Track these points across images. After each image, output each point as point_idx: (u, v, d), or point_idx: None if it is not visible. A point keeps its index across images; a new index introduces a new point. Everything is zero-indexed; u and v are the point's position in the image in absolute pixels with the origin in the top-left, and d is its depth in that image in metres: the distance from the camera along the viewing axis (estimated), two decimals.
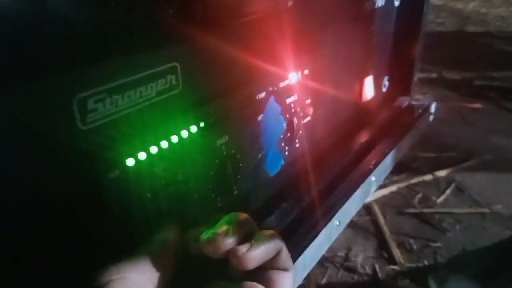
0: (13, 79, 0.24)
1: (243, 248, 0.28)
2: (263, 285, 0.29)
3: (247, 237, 0.29)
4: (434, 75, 2.18)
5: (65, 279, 0.28)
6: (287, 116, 0.48)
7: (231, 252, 0.28)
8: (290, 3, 0.50)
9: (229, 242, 0.28)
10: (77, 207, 0.28)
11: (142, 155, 0.31)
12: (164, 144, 0.33)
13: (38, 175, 0.26)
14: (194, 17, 0.37)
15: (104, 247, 0.29)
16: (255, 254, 0.28)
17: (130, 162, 0.30)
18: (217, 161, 0.38)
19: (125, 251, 0.28)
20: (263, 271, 0.30)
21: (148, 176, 0.32)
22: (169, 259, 0.29)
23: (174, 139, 0.34)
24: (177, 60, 0.33)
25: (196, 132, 0.36)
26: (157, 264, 0.28)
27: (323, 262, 1.17)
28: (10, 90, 0.23)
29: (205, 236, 0.28)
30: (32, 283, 0.27)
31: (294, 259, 0.44)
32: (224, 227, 0.28)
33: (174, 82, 0.33)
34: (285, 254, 0.30)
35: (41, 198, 0.26)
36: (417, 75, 0.84)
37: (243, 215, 0.30)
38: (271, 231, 0.30)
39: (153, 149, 0.32)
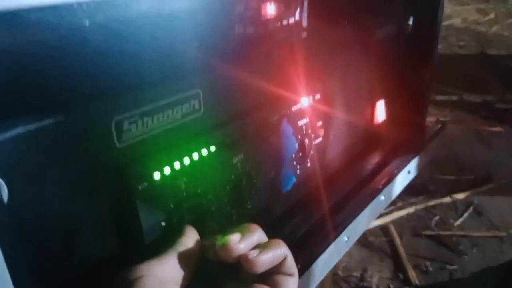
0: (65, 104, 0.29)
1: (253, 253, 0.32)
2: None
3: (257, 244, 0.33)
4: (454, 98, 2.19)
5: (99, 276, 0.32)
6: (299, 137, 0.52)
7: (243, 257, 0.31)
8: (304, 35, 0.54)
9: (241, 247, 0.32)
10: (111, 213, 0.33)
11: (167, 170, 0.36)
12: (186, 160, 0.37)
13: (80, 185, 0.31)
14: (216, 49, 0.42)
15: (132, 248, 0.33)
16: (264, 259, 0.32)
17: (157, 175, 0.35)
18: (233, 177, 0.43)
19: (151, 252, 0.32)
20: (270, 276, 0.33)
21: (172, 189, 0.36)
22: (189, 262, 0.33)
23: (195, 156, 0.38)
24: (199, 87, 0.38)
25: (215, 151, 0.40)
26: (179, 266, 0.32)
27: (338, 282, 1.18)
28: (62, 114, 0.28)
29: (220, 242, 0.32)
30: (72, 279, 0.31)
31: (303, 272, 0.48)
32: (237, 235, 0.33)
33: (196, 107, 0.38)
34: (290, 261, 0.34)
35: (81, 204, 0.31)
36: (437, 98, 0.86)
37: (254, 225, 0.34)
38: (278, 240, 0.34)
39: (177, 165, 0.37)
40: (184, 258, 0.33)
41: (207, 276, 0.34)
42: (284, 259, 0.33)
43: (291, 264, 0.34)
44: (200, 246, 0.34)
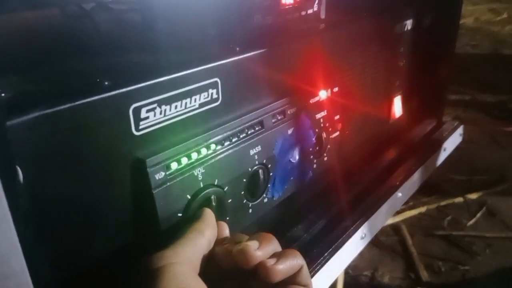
0: (82, 90, 0.28)
1: (271, 261, 0.31)
2: None
3: (273, 253, 0.32)
4: (467, 97, 2.16)
5: (113, 265, 0.32)
6: (316, 130, 0.51)
7: (261, 264, 0.31)
8: (322, 26, 0.53)
9: (259, 254, 0.31)
10: (128, 202, 0.32)
11: (184, 160, 0.35)
12: (204, 151, 0.36)
13: (96, 173, 0.30)
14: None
15: (148, 238, 0.32)
16: (282, 268, 0.31)
17: (174, 165, 0.34)
18: (249, 169, 0.42)
19: (168, 239, 0.31)
20: (285, 286, 0.32)
21: (189, 179, 0.35)
22: (198, 257, 0.31)
23: (213, 146, 0.37)
24: (218, 76, 0.37)
25: (232, 142, 0.39)
26: (197, 254, 0.31)
27: (348, 281, 1.17)
28: (80, 99, 0.28)
29: (238, 247, 0.31)
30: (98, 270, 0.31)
31: (318, 269, 0.46)
32: (255, 242, 0.32)
33: (215, 96, 0.37)
34: (306, 271, 0.33)
35: (97, 192, 0.30)
36: (450, 97, 0.85)
37: (270, 235, 0.33)
38: (294, 250, 0.33)
39: (194, 155, 0.36)
40: (203, 247, 0.32)
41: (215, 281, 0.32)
42: (300, 269, 0.32)
43: (306, 275, 0.33)
44: (213, 253, 0.33)
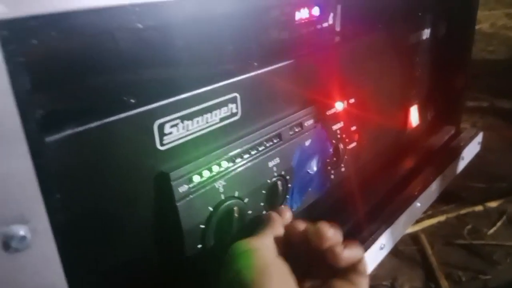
0: (112, 109, 0.29)
1: (340, 248, 0.34)
2: (347, 285, 0.34)
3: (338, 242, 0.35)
4: (485, 104, 2.13)
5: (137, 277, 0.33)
6: (333, 141, 0.51)
7: (331, 250, 0.34)
8: (337, 39, 0.54)
9: (332, 237, 0.34)
10: (152, 216, 0.33)
11: (206, 173, 0.36)
12: (224, 164, 0.38)
13: (122, 187, 0.31)
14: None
15: (173, 250, 0.33)
16: (349, 254, 0.34)
17: (196, 178, 0.35)
18: (268, 181, 0.42)
19: (191, 254, 0.32)
20: (346, 273, 0.35)
21: (210, 192, 0.36)
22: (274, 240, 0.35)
23: (233, 159, 0.38)
24: (237, 91, 0.38)
25: (251, 154, 0.40)
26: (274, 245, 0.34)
27: None
28: (107, 117, 0.29)
29: (314, 228, 0.34)
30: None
31: None
32: (328, 226, 0.34)
33: (234, 110, 0.38)
34: (365, 261, 0.36)
35: (123, 206, 0.32)
36: (467, 104, 0.85)
37: (335, 224, 0.36)
38: (357, 241, 0.36)
39: (215, 168, 0.37)
40: (276, 241, 0.35)
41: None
42: (360, 259, 0.35)
43: (365, 265, 0.36)
44: (286, 231, 0.36)
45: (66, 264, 0.21)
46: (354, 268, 0.35)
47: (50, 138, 0.26)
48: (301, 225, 0.36)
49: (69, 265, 0.22)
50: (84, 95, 0.29)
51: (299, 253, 0.36)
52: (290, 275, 0.32)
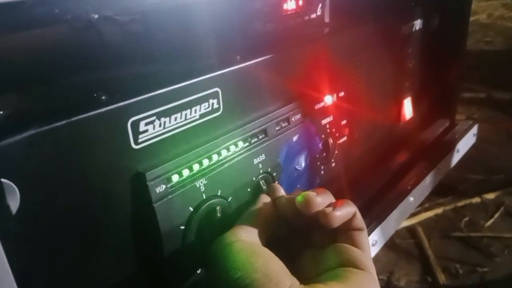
0: (84, 107, 0.28)
1: (329, 209, 0.34)
2: (346, 243, 0.35)
3: (329, 203, 0.36)
4: (482, 95, 2.12)
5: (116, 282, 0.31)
6: (323, 136, 0.50)
7: (321, 212, 0.34)
8: (326, 30, 0.52)
9: (319, 201, 0.34)
10: (129, 217, 0.32)
11: (185, 172, 0.34)
12: (206, 162, 0.36)
13: (95, 189, 0.30)
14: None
15: (150, 253, 0.32)
16: (339, 213, 0.34)
17: (175, 178, 0.34)
18: (254, 178, 0.41)
19: (169, 256, 0.30)
20: (344, 233, 0.36)
21: (190, 191, 0.35)
22: (265, 222, 0.36)
23: (215, 157, 0.37)
24: (218, 86, 0.37)
25: (235, 151, 0.39)
26: (259, 228, 0.35)
27: None
28: (77, 115, 0.27)
29: (300, 197, 0.35)
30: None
31: None
32: (314, 193, 0.35)
33: (216, 106, 0.37)
34: (359, 216, 0.36)
35: (97, 208, 0.30)
36: (464, 95, 0.84)
37: (324, 188, 0.37)
38: (345, 199, 0.36)
39: (196, 167, 0.35)
40: (261, 221, 0.35)
41: (278, 244, 0.36)
42: (354, 215, 0.35)
43: (360, 219, 0.36)
44: (275, 205, 0.37)
45: (23, 277, 0.20)
46: (349, 225, 0.35)
47: (9, 141, 0.24)
48: (292, 199, 0.36)
49: (27, 278, 0.20)
50: (49, 94, 0.27)
51: (297, 225, 0.37)
52: (276, 259, 0.32)
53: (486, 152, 1.66)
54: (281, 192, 0.40)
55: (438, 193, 1.43)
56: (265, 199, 0.38)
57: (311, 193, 0.35)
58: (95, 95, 0.29)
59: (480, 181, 1.54)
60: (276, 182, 0.43)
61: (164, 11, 0.32)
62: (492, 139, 1.74)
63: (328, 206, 0.35)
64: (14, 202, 0.24)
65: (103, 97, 0.29)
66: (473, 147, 0.82)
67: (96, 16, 0.26)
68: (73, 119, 0.27)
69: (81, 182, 0.29)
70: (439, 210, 1.42)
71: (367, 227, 0.51)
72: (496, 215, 1.38)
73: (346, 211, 0.35)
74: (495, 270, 1.17)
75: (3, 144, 0.25)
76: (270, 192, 0.40)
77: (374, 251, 0.53)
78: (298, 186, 0.47)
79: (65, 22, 0.26)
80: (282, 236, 0.38)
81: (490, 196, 1.46)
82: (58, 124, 0.27)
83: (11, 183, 0.25)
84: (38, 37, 0.26)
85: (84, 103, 0.29)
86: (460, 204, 1.44)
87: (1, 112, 0.27)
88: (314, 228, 0.37)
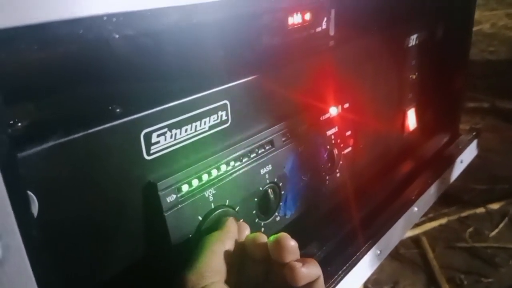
0: (100, 119, 0.29)
1: (299, 264, 0.32)
2: None
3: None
4: (486, 105, 2.13)
5: None
6: (328, 147, 0.51)
7: (290, 265, 0.32)
8: (331, 43, 0.53)
9: (294, 250, 0.32)
10: (140, 226, 0.33)
11: (195, 182, 0.35)
12: (214, 172, 0.37)
13: (109, 198, 0.31)
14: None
15: (161, 260, 0.33)
16: (307, 272, 0.32)
17: (185, 188, 0.35)
18: (261, 188, 0.42)
19: (179, 264, 0.31)
20: None
21: (200, 201, 0.36)
22: (233, 260, 0.33)
23: (223, 168, 0.38)
24: (227, 98, 0.38)
25: (243, 162, 0.40)
26: (227, 265, 0.32)
27: None
28: (92, 127, 0.29)
29: (272, 239, 0.33)
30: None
31: (334, 286, 0.46)
32: (290, 239, 0.33)
33: (224, 117, 0.38)
34: (322, 282, 0.34)
35: (111, 217, 0.31)
36: (468, 105, 0.84)
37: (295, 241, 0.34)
38: (312, 258, 0.33)
39: (205, 177, 0.36)
40: (230, 255, 0.33)
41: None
42: (317, 279, 0.33)
43: (322, 285, 0.34)
44: (244, 243, 0.35)
45: (43, 280, 0.21)
46: (310, 287, 0.33)
47: (27, 152, 0.25)
48: (262, 237, 0.34)
49: (47, 281, 0.21)
50: (67, 106, 0.28)
51: (256, 266, 0.34)
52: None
53: (490, 161, 1.65)
54: (247, 232, 0.37)
55: (443, 203, 1.43)
56: (233, 227, 0.36)
57: (286, 238, 0.32)
58: (110, 107, 0.31)
59: (485, 191, 1.54)
60: (242, 220, 0.39)
61: (178, 29, 0.34)
62: (496, 149, 1.74)
63: (298, 259, 0.33)
64: (33, 210, 0.25)
65: (118, 110, 0.31)
66: (477, 157, 0.83)
67: (113, 34, 0.28)
68: (89, 131, 0.29)
69: (95, 191, 0.30)
70: (443, 220, 1.41)
71: (372, 238, 0.52)
72: (501, 225, 1.37)
73: (314, 271, 0.33)
74: (500, 280, 1.17)
75: (23, 155, 0.26)
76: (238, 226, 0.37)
77: (379, 261, 0.54)
78: (304, 195, 0.48)
79: (83, 40, 0.27)
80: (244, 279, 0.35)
81: (495, 206, 1.46)
82: (75, 136, 0.28)
83: (31, 193, 0.26)
84: (58, 54, 0.27)
85: (99, 115, 0.30)
86: (464, 214, 1.44)
87: (20, 124, 0.28)
88: (273, 273, 0.34)
